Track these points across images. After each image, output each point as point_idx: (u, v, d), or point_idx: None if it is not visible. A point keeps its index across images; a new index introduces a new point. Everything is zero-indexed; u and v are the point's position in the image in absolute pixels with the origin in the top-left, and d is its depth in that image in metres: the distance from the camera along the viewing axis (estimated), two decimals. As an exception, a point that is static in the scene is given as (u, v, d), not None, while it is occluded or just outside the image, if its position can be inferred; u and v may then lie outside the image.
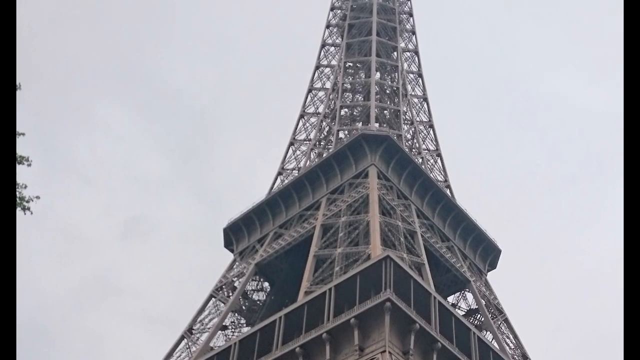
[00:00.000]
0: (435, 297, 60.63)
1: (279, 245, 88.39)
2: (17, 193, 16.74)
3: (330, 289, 61.63)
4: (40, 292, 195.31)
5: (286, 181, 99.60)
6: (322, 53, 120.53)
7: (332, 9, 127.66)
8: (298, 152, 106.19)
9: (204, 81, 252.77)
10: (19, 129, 16.69)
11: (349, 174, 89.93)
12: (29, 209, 17.10)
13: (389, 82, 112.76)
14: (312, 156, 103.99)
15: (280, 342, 61.19)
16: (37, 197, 17.09)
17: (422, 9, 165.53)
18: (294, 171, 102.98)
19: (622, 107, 20.77)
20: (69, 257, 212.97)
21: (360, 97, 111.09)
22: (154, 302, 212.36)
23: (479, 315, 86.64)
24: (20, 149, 16.81)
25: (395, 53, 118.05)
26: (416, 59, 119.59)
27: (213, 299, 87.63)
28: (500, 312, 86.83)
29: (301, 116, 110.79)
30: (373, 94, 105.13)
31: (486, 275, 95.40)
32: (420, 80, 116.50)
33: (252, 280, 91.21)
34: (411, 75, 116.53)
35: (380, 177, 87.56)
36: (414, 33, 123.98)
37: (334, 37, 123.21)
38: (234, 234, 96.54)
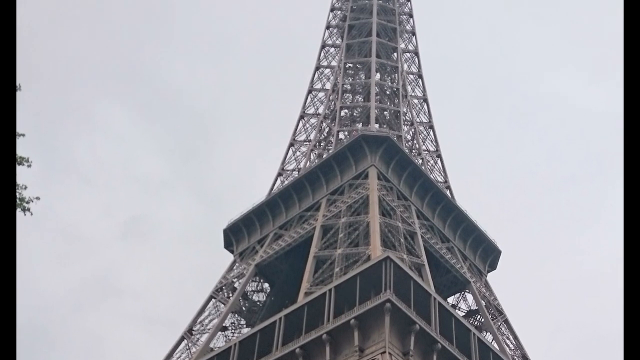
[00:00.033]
0: (435, 298, 60.66)
1: (279, 246, 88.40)
2: (17, 194, 16.73)
3: (330, 290, 61.65)
4: (41, 292, 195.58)
5: (286, 182, 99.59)
6: (322, 54, 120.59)
7: (332, 10, 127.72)
8: (298, 153, 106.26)
9: (204, 81, 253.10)
10: (19, 129, 16.68)
11: (349, 175, 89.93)
12: (29, 209, 17.09)
13: (389, 83, 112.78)
14: (312, 157, 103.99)
15: (280, 343, 61.20)
16: (37, 198, 17.09)
17: (422, 10, 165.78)
18: (294, 172, 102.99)
19: (622, 107, 20.79)
20: (69, 258, 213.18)
21: (360, 98, 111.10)
22: (154, 302, 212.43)
23: (479, 316, 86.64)
24: (20, 150, 16.81)
25: (395, 54, 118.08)
26: (416, 59, 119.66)
27: (213, 299, 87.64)
28: (500, 312, 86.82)
29: (301, 117, 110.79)
30: (373, 95, 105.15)
31: (486, 276, 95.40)
32: (420, 81, 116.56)
33: (252, 281, 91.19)
34: (411, 76, 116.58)
35: (380, 178, 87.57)
36: (414, 34, 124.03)
37: (334, 38, 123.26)
38: (234, 234, 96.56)
